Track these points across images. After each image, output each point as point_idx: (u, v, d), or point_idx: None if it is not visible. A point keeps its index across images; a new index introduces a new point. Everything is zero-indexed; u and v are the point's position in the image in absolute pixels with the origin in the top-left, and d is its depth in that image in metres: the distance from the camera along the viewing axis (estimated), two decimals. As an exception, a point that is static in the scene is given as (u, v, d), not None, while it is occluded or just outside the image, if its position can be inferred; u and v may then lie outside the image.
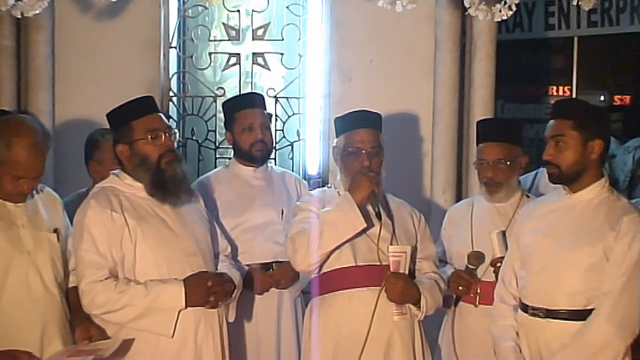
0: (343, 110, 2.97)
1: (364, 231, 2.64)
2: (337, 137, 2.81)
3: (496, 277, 2.72)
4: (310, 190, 3.13)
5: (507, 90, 6.37)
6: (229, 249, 2.88)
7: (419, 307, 2.69)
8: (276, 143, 4.20)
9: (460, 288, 2.87)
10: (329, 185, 2.96)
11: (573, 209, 2.46)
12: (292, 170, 4.07)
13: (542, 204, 2.56)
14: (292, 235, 2.66)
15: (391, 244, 2.67)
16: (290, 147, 4.28)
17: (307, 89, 4.31)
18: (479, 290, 2.86)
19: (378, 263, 2.64)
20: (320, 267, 2.68)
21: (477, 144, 3.00)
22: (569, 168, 2.42)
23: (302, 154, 4.34)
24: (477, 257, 2.87)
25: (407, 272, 2.68)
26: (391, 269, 2.65)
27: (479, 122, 3.09)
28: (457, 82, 4.00)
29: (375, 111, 2.81)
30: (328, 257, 2.66)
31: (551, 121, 2.47)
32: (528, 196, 2.99)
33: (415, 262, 2.80)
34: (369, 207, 2.66)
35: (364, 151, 2.69)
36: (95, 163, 3.03)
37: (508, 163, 2.91)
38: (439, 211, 3.87)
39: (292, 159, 4.28)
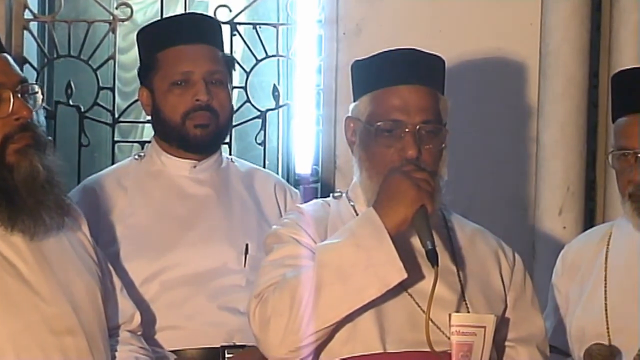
0: (365, 50, 3.02)
1: (402, 286, 2.68)
2: (354, 100, 2.88)
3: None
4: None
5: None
6: (139, 319, 2.94)
7: None
8: (234, 112, 4.22)
9: None
10: (337, 193, 3.03)
11: None
12: (264, 166, 4.08)
13: None
14: (261, 291, 2.70)
15: (456, 311, 2.75)
16: (260, 121, 4.31)
17: (295, 9, 4.33)
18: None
19: (427, 349, 2.65)
20: (317, 353, 2.72)
21: (614, 118, 3.13)
22: None
23: (283, 135, 4.40)
24: (609, 355, 2.99)
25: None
26: (453, 359, 2.69)
27: (615, 76, 3.24)
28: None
29: (432, 53, 2.87)
30: (332, 335, 2.71)
31: None
32: None
33: (504, 347, 2.90)
34: (414, 239, 2.71)
35: (407, 129, 2.75)
36: None
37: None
38: (551, 249, 3.87)
39: (262, 143, 4.30)
